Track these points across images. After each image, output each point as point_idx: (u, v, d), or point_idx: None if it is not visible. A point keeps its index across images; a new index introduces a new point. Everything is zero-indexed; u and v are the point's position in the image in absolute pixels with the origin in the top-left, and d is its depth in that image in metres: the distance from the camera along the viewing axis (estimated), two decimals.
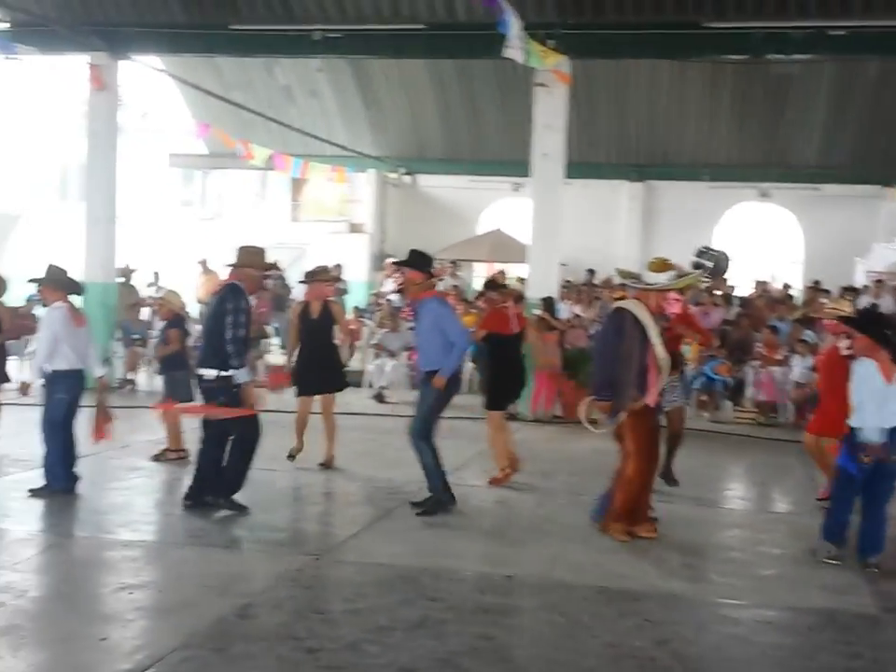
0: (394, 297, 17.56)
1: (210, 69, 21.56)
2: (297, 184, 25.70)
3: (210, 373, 7.22)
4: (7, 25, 14.57)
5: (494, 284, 9.73)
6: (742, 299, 17.18)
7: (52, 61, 14.62)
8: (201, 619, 5.10)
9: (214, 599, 5.44)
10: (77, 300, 8.14)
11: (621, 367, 6.73)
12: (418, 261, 7.79)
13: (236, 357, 7.21)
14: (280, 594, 5.60)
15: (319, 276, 9.46)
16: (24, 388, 8.07)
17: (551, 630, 5.33)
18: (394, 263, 11.39)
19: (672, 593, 5.94)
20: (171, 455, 9.22)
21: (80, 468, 8.28)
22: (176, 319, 9.43)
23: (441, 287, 17.81)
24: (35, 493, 7.64)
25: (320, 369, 9.16)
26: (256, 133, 22.29)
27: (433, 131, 22.74)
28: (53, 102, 28.15)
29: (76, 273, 14.40)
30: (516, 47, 10.63)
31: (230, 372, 7.19)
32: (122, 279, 16.27)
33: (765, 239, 23.34)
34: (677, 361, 7.79)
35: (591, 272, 19.67)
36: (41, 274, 7.98)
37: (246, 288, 7.43)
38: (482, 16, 12.98)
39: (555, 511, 7.96)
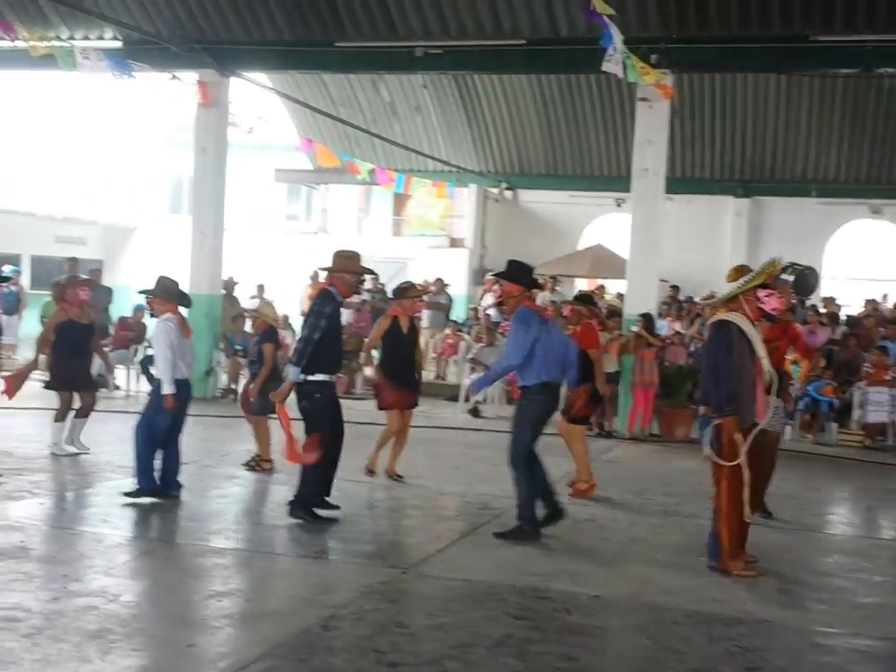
0: (492, 311, 17.55)
1: (316, 86, 21.98)
2: (399, 199, 25.96)
3: (299, 378, 7.36)
4: (121, 44, 15.08)
5: (583, 297, 9.67)
6: (850, 318, 16.68)
7: (164, 78, 15.00)
8: (285, 628, 5.15)
9: (299, 609, 5.49)
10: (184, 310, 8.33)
11: (737, 381, 6.46)
12: (516, 273, 7.54)
13: (299, 356, 7.28)
14: (364, 606, 5.61)
15: (409, 293, 9.42)
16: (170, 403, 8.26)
17: (637, 653, 5.22)
18: (492, 275, 11.34)
19: (765, 619, 5.76)
20: (265, 464, 9.33)
21: (181, 475, 8.51)
22: (269, 331, 9.54)
23: (539, 301, 17.77)
24: (129, 495, 7.84)
25: (406, 384, 9.18)
26: (360, 148, 22.62)
27: (535, 146, 22.71)
28: (166, 117, 29.00)
29: (181, 285, 14.90)
30: (615, 61, 10.55)
31: (315, 377, 7.30)
32: (225, 291, 16.62)
33: (877, 257, 22.62)
34: (781, 380, 7.39)
35: (675, 287, 19.23)
36: (151, 286, 8.20)
37: (340, 292, 7.51)
38: (584, 31, 12.97)
39: (648, 532, 7.83)
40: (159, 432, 7.87)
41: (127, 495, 7.86)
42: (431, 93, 21.90)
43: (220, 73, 15.10)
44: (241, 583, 6.05)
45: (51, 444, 9.65)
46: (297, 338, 17.43)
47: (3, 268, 21.01)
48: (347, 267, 7.58)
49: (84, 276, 14.69)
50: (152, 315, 8.44)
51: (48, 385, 10.02)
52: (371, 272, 8.11)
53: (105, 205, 28.42)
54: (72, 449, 9.63)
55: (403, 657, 4.87)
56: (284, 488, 8.79)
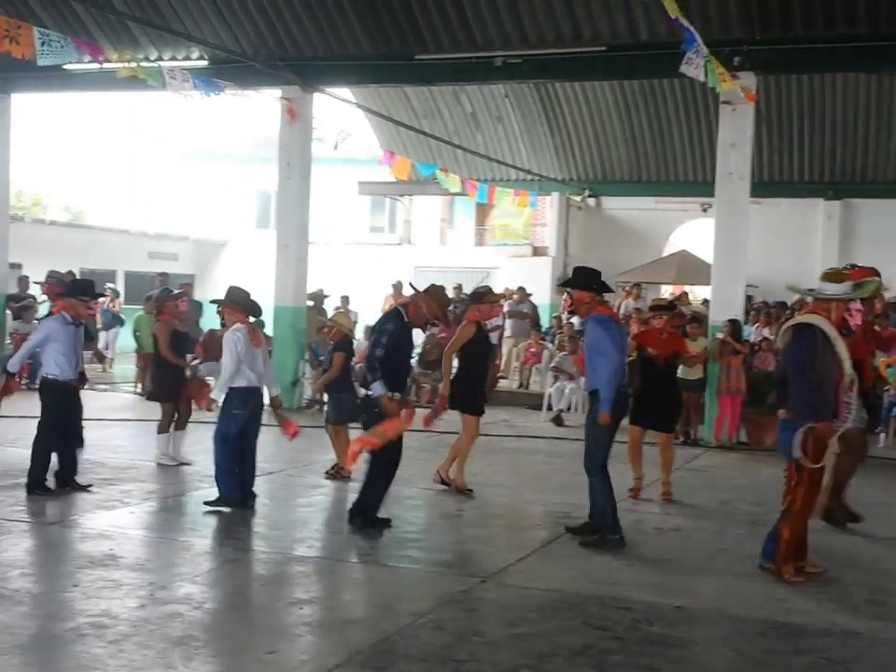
0: (575, 320, 17.43)
1: (399, 99, 22.18)
2: (481, 209, 26.04)
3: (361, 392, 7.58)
4: (206, 63, 15.42)
5: (664, 306, 9.57)
6: None
7: (249, 95, 15.32)
8: (364, 636, 5.18)
9: (378, 617, 5.52)
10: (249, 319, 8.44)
11: (822, 385, 6.33)
12: (583, 279, 7.50)
13: (369, 373, 7.39)
14: (443, 615, 5.62)
15: (487, 297, 9.30)
16: (209, 404, 8.49)
17: (720, 665, 5.13)
18: (559, 285, 11.24)
19: (854, 630, 5.61)
20: (344, 473, 9.42)
21: (265, 484, 8.67)
22: (344, 341, 9.64)
23: (623, 309, 17.60)
24: (210, 504, 8.01)
25: (482, 390, 9.18)
26: (443, 159, 22.74)
27: (618, 152, 22.56)
28: (253, 134, 29.57)
29: (267, 298, 15.13)
30: (696, 64, 10.40)
31: (370, 391, 7.39)
32: (312, 303, 16.84)
33: None
34: (862, 379, 7.23)
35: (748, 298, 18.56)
36: (223, 297, 8.36)
37: (409, 316, 7.56)
38: (664, 35, 12.82)
39: (733, 542, 7.68)
40: (231, 440, 7.99)
41: (207, 504, 8.02)
42: (513, 103, 21.92)
43: (303, 89, 15.33)
44: (321, 591, 6.11)
45: (160, 455, 9.88)
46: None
47: (106, 285, 21.72)
48: (427, 300, 7.61)
49: (177, 290, 15.02)
50: (223, 325, 8.58)
51: (150, 397, 10.25)
52: (440, 318, 8.12)
53: (196, 221, 29.10)
54: (173, 460, 9.85)
55: (481, 666, 4.87)
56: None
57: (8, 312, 17.08)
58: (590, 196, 23.80)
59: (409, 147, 23.13)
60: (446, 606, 5.78)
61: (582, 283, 7.51)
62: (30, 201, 36.53)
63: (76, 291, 8.67)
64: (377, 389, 7.33)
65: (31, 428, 11.56)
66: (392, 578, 6.39)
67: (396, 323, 7.48)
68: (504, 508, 8.72)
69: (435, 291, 7.77)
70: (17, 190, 34.11)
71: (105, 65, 12.65)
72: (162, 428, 9.89)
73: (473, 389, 9.06)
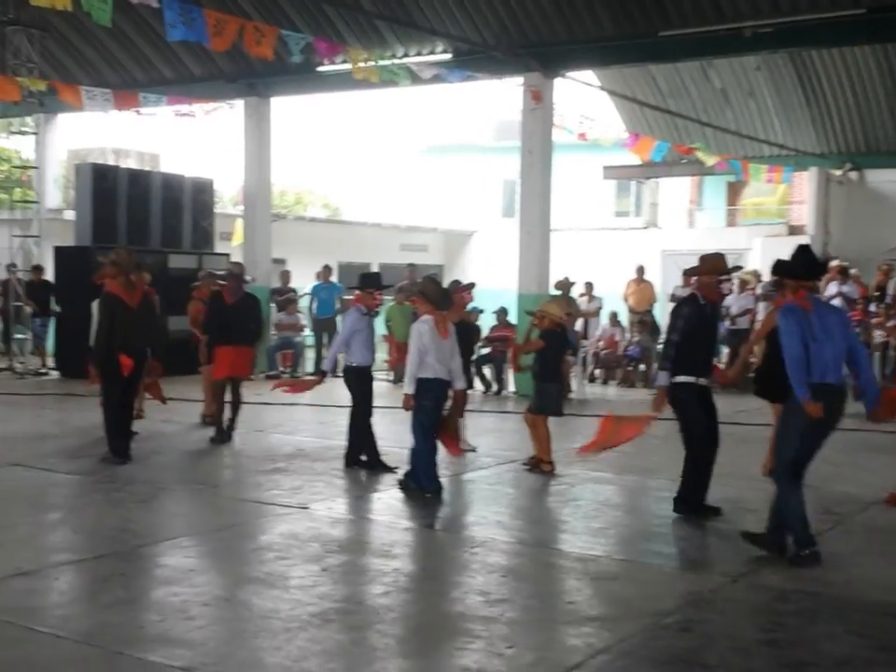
0: (837, 301, 16.33)
1: (644, 78, 21.63)
2: (732, 188, 25.02)
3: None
4: (450, 56, 15.59)
5: None
6: None
7: (491, 84, 15.38)
8: (607, 635, 4.99)
9: (622, 616, 5.31)
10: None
11: None
12: (795, 266, 6.53)
13: (667, 361, 7.30)
14: (690, 615, 5.34)
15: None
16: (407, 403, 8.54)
17: None
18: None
19: None
20: (545, 466, 9.19)
21: (507, 473, 8.62)
22: (551, 330, 9.30)
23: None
24: (401, 486, 8.17)
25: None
26: (690, 138, 22.00)
27: (882, 121, 21.00)
28: (496, 123, 29.78)
29: (512, 286, 15.13)
30: None
31: (678, 379, 7.22)
32: (560, 291, 16.69)
33: None
34: None
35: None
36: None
37: (704, 296, 7.38)
38: None
39: None
40: (429, 431, 8.09)
41: (401, 484, 8.22)
42: (765, 75, 20.87)
43: (545, 74, 15.21)
44: (561, 586, 5.97)
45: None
46: (630, 337, 17.21)
47: None
48: (704, 269, 7.43)
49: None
50: (415, 315, 8.73)
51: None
52: (730, 270, 7.73)
53: (444, 213, 29.68)
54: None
55: None
56: (605, 486, 8.70)
57: (273, 304, 18.01)
58: (852, 170, 22.28)
59: (654, 127, 22.55)
60: (693, 606, 5.50)
61: (793, 270, 6.57)
62: (293, 199, 38.49)
63: (364, 284, 9.20)
64: (661, 379, 7.25)
65: (296, 415, 12.11)
66: (639, 575, 6.16)
67: (690, 307, 7.33)
68: (760, 502, 8.24)
69: (702, 259, 7.51)
70: (281, 190, 36.08)
71: (349, 65, 13.04)
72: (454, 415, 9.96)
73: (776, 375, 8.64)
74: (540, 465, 9.19)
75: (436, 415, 8.17)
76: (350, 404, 9.33)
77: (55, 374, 16.60)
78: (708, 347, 7.58)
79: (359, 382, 9.20)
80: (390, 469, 8.93)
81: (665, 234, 25.62)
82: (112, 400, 9.20)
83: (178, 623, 5.09)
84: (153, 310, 9.84)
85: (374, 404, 9.42)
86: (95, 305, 10.16)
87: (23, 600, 5.41)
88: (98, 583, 5.79)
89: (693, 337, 7.24)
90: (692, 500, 7.45)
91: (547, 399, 9.28)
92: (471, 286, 10.66)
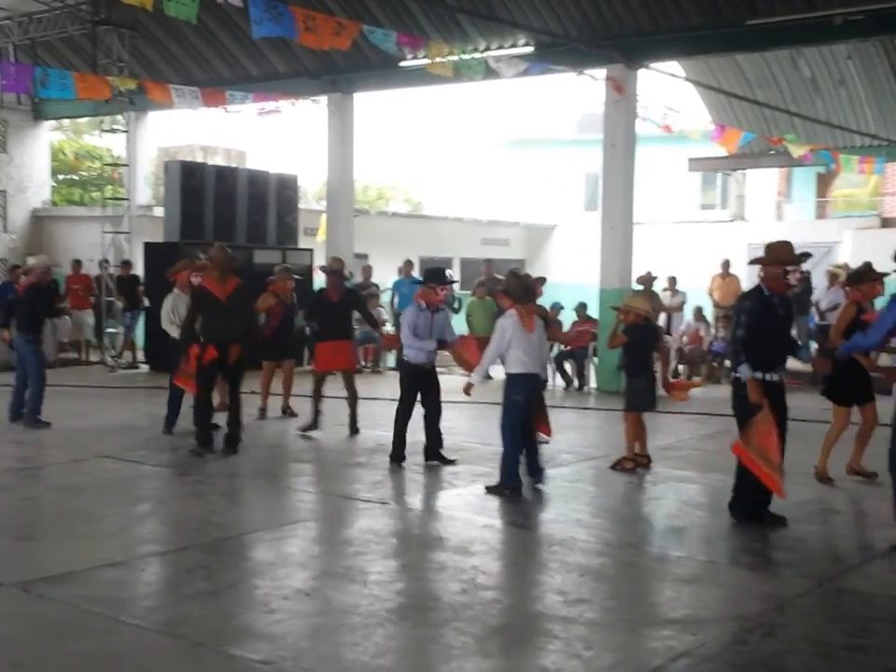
0: None
1: (730, 68, 21.23)
2: (822, 180, 24.43)
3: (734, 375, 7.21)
4: (531, 49, 15.50)
5: None
6: None
7: (573, 77, 15.22)
8: (687, 639, 4.90)
9: (704, 619, 5.21)
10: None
11: None
12: None
13: (732, 357, 7.17)
14: (776, 620, 5.22)
15: (867, 277, 8.64)
16: (467, 389, 8.55)
17: None
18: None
19: None
20: (626, 463, 9.09)
21: (588, 470, 8.54)
22: (636, 325, 9.17)
23: None
24: (489, 490, 8.06)
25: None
26: (779, 129, 21.54)
27: None
28: (578, 116, 29.54)
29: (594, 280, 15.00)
30: None
31: (738, 373, 7.05)
32: (642, 286, 16.49)
33: None
34: None
35: None
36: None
37: (769, 288, 7.12)
38: None
39: None
40: (517, 427, 8.05)
41: (487, 488, 8.10)
42: (857, 64, 20.29)
43: (628, 66, 15.02)
44: (644, 587, 5.89)
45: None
46: (715, 332, 16.87)
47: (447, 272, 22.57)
48: (770, 259, 7.17)
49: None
50: (499, 310, 8.62)
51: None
52: (797, 260, 7.44)
53: (525, 207, 29.56)
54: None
55: None
56: (688, 485, 8.57)
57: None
58: None
59: (742, 118, 22.12)
60: (779, 610, 5.37)
61: None
62: (375, 194, 38.72)
63: (428, 279, 9.19)
64: (743, 373, 7.02)
65: (377, 409, 12.20)
66: (722, 578, 6.04)
67: (753, 299, 7.12)
68: (852, 503, 8.05)
69: (767, 248, 7.28)
70: (364, 185, 36.31)
71: (429, 60, 13.04)
72: None
73: (847, 378, 8.41)
74: (623, 462, 9.11)
75: (526, 411, 8.13)
76: (426, 401, 9.21)
77: (145, 368, 16.97)
78: (777, 341, 7.24)
79: (409, 377, 9.11)
80: (450, 462, 8.97)
81: (752, 227, 25.13)
82: (201, 390, 9.58)
83: (259, 616, 5.16)
84: (246, 303, 9.97)
85: (448, 399, 9.41)
86: (166, 301, 10.41)
87: (111, 591, 5.53)
88: (182, 575, 5.90)
89: (759, 331, 6.98)
90: (747, 505, 7.17)
91: (634, 394, 9.19)
92: (542, 280, 10.64)
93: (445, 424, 10.68)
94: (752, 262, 7.48)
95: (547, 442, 9.39)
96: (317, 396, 10.76)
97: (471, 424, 11.28)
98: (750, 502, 7.17)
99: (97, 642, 4.81)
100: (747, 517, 7.15)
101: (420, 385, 9.11)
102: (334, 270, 11.09)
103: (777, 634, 5.04)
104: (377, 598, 5.41)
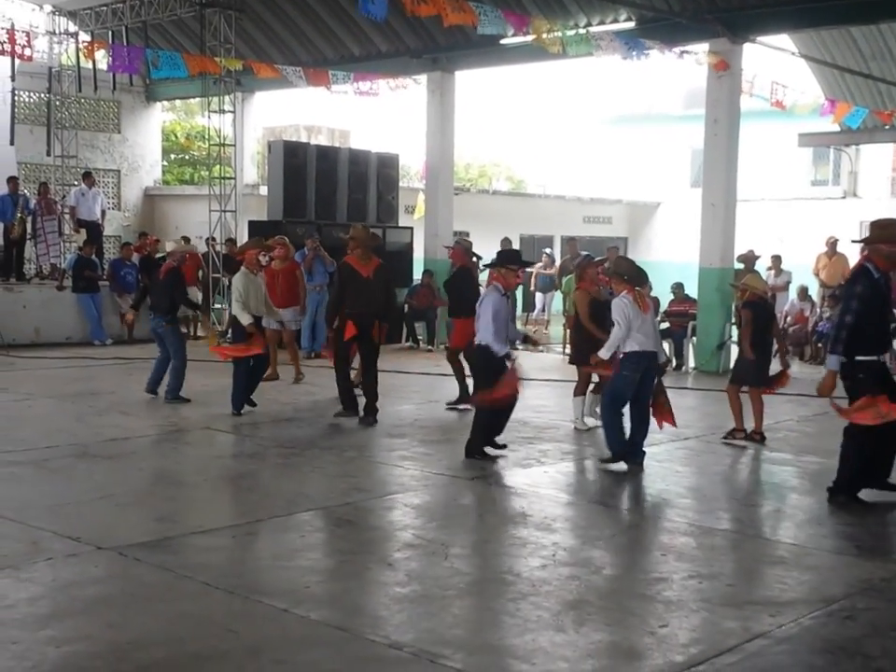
0: None
1: (844, 41, 20.54)
2: None
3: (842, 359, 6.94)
4: (633, 24, 15.30)
5: None
6: None
7: (677, 52, 14.96)
8: (766, 620, 4.85)
9: (785, 601, 5.15)
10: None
11: None
12: None
13: (833, 342, 6.90)
14: (858, 604, 5.13)
15: None
16: (596, 361, 8.60)
17: None
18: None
19: None
20: (738, 434, 9.19)
21: (678, 451, 8.50)
22: (754, 302, 9.15)
23: None
24: (604, 461, 8.20)
25: None
26: (893, 103, 20.81)
27: None
28: (684, 91, 28.99)
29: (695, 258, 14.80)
30: None
31: (856, 358, 6.84)
32: (743, 265, 16.18)
33: None
34: None
35: None
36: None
37: (878, 266, 6.92)
38: None
39: None
40: (620, 401, 8.15)
41: (602, 461, 8.24)
42: None
43: (732, 40, 14.72)
44: (725, 567, 5.84)
45: (573, 419, 10.06)
46: (821, 312, 16.43)
47: (543, 251, 22.67)
48: (881, 237, 6.95)
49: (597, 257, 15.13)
50: (611, 293, 8.77)
51: (572, 361, 10.48)
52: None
53: (629, 184, 29.19)
54: (592, 422, 9.95)
55: (894, 665, 4.39)
56: (782, 467, 8.44)
57: None
58: None
59: (855, 93, 21.41)
60: (862, 594, 5.28)
61: None
62: (477, 172, 38.75)
63: (506, 261, 8.79)
64: (831, 363, 6.90)
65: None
66: (805, 559, 5.96)
67: (864, 282, 6.88)
68: None
69: (875, 226, 7.07)
70: (466, 163, 36.38)
71: (532, 37, 13.01)
72: (578, 391, 9.99)
73: None
74: (735, 436, 9.27)
75: (639, 388, 8.17)
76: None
77: None
78: (885, 321, 7.18)
79: (483, 362, 8.59)
80: (501, 447, 8.68)
81: (865, 204, 24.36)
82: (340, 362, 10.16)
83: (338, 584, 5.31)
84: (388, 281, 10.27)
85: (547, 378, 9.44)
86: (235, 279, 10.63)
87: (202, 557, 5.76)
88: (271, 544, 6.10)
89: (869, 315, 6.84)
90: (848, 488, 7.04)
91: (742, 369, 9.29)
92: (603, 261, 10.61)
93: (536, 401, 10.75)
94: (863, 241, 7.28)
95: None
96: (462, 371, 10.80)
97: (560, 402, 11.27)
98: (854, 485, 7.03)
99: (189, 605, 5.01)
100: (848, 500, 7.03)
101: (493, 370, 8.52)
102: (467, 249, 11.40)
103: (858, 618, 4.96)
104: (457, 571, 5.51)
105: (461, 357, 10.87)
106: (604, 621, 4.87)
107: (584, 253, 13.86)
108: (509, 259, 8.77)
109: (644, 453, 8.29)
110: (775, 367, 9.76)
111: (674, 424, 8.60)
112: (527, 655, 4.43)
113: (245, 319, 10.32)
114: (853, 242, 7.58)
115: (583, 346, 10.00)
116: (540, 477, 7.96)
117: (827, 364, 6.96)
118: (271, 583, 5.32)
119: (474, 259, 11.67)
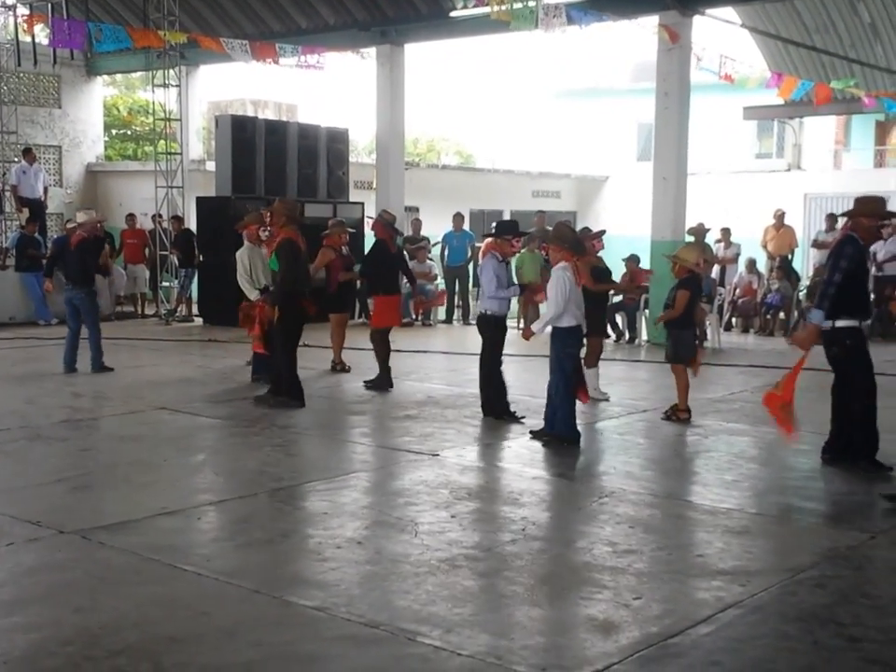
0: None
1: (788, 14, 20.73)
2: (881, 128, 23.87)
3: (826, 324, 7.11)
4: None
5: None
6: None
7: (625, 24, 14.95)
8: (737, 590, 4.90)
9: (754, 571, 5.21)
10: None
11: None
12: None
13: (820, 298, 7.12)
14: (826, 572, 5.21)
15: None
16: (528, 335, 8.64)
17: None
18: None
19: None
20: (681, 414, 9.08)
21: (639, 423, 8.53)
22: (689, 278, 9.12)
23: None
24: (535, 435, 8.22)
25: None
26: (837, 75, 21.06)
27: None
28: (629, 65, 29.09)
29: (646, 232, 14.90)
30: None
31: (840, 322, 7.06)
32: (693, 238, 16.30)
33: None
34: None
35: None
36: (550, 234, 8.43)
37: (861, 238, 7.21)
38: None
39: None
40: (571, 378, 8.06)
41: (532, 434, 8.30)
42: None
43: (682, 13, 14.75)
44: (691, 538, 5.90)
45: (594, 388, 9.96)
46: (769, 284, 16.59)
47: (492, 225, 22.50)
48: (864, 211, 7.26)
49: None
50: (547, 262, 8.85)
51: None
52: (891, 215, 7.71)
53: (577, 158, 29.26)
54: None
55: (866, 632, 4.46)
56: (740, 438, 8.53)
57: (405, 252, 18.11)
58: None
59: (799, 66, 21.63)
60: (829, 562, 5.36)
61: None
62: (425, 147, 38.54)
63: (502, 231, 9.24)
64: (814, 317, 7.12)
65: (428, 362, 12.27)
66: (773, 529, 6.05)
67: (852, 246, 7.15)
68: None
69: (858, 201, 7.35)
70: (414, 138, 36.15)
71: (481, 10, 12.93)
72: (589, 363, 9.82)
73: None
74: (677, 412, 9.10)
75: (575, 361, 8.18)
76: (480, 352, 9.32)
77: (199, 321, 17.19)
78: (865, 290, 7.50)
79: (494, 330, 9.13)
80: (518, 420, 8.94)
81: (809, 176, 24.70)
82: (291, 345, 9.59)
83: (312, 564, 5.26)
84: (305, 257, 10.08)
85: (504, 352, 9.41)
86: (239, 254, 10.51)
87: (168, 539, 5.67)
88: (237, 524, 6.03)
89: (855, 278, 7.10)
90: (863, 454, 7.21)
91: (682, 346, 9.16)
92: (602, 233, 10.54)
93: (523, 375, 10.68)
94: (847, 214, 7.44)
95: (607, 398, 9.39)
96: (386, 351, 10.70)
97: (518, 377, 11.26)
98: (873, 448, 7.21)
99: (156, 588, 4.93)
100: (868, 466, 7.18)
101: (502, 336, 9.19)
102: (389, 223, 11.11)
103: (827, 585, 5.03)
104: (428, 548, 5.49)
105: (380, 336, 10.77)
106: (578, 594, 4.88)
107: (564, 221, 13.81)
108: (505, 230, 9.26)
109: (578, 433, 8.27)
110: None
111: (587, 399, 8.61)
112: (505, 631, 4.43)
113: (253, 294, 10.26)
114: (843, 215, 7.75)
115: (591, 316, 9.95)
116: (505, 452, 7.97)
117: (811, 318, 7.15)
118: (240, 564, 5.26)
119: (395, 233, 11.44)
